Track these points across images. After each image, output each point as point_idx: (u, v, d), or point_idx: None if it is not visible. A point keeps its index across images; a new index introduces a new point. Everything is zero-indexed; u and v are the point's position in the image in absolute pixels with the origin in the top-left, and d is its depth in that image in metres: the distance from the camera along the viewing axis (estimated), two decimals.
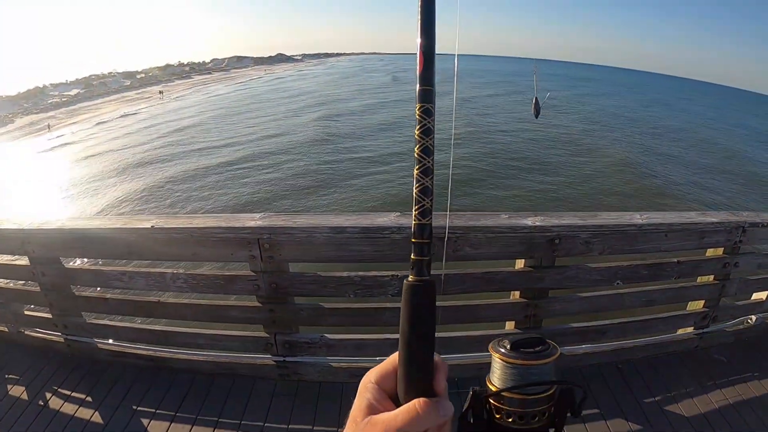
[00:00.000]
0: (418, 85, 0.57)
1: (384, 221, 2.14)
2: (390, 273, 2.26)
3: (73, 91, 73.81)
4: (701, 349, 3.01)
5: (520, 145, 24.51)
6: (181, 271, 2.50)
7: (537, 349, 0.58)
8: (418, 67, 0.58)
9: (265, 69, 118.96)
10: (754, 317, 3.12)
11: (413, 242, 0.57)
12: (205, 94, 59.52)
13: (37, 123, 44.50)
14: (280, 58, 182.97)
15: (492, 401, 0.59)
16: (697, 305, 2.90)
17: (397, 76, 76.06)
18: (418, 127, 0.56)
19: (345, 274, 2.29)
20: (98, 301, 2.86)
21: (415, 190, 0.56)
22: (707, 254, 2.70)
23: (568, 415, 0.59)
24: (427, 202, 0.56)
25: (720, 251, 2.68)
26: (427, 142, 0.56)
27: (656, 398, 2.67)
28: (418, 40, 0.58)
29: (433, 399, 0.52)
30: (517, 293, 2.44)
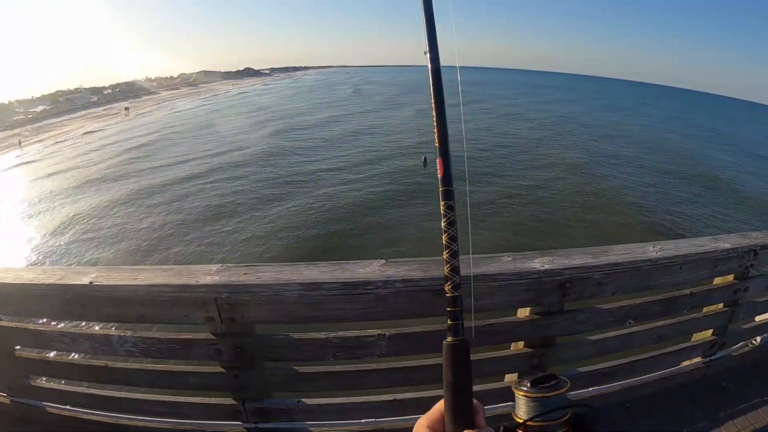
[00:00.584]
0: (440, 186, 0.76)
1: (367, 273, 1.70)
2: (376, 332, 1.82)
3: (39, 108, 70.62)
4: (708, 377, 2.69)
5: (490, 152, 24.33)
6: (128, 333, 2.01)
7: (552, 383, 0.71)
8: (438, 171, 0.77)
9: (233, 83, 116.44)
10: (759, 338, 2.83)
11: (449, 310, 0.77)
12: (170, 109, 57.90)
13: (2, 140, 42.40)
14: (249, 72, 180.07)
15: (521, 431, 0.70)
16: (705, 334, 2.58)
17: (359, 89, 75.52)
18: (444, 220, 0.76)
19: (323, 335, 1.84)
20: (40, 364, 2.34)
21: (446, 270, 0.77)
22: (718, 281, 2.38)
23: None
24: (457, 278, 0.76)
25: (731, 277, 2.36)
26: (452, 231, 0.76)
27: None
28: (436, 144, 0.79)
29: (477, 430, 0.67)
30: (520, 343, 2.04)
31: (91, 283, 1.84)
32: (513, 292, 1.77)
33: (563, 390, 0.71)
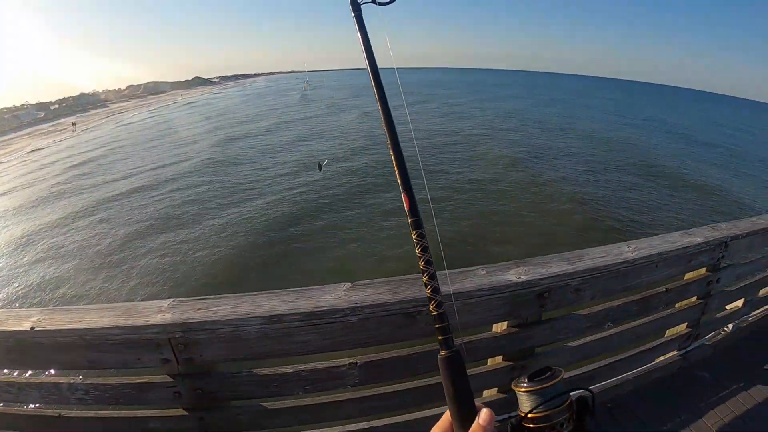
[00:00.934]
0: (408, 218, 0.81)
1: (332, 300, 1.50)
2: (348, 361, 1.63)
3: None
4: (684, 369, 2.61)
5: (439, 149, 24.07)
6: (79, 380, 1.77)
7: (547, 375, 0.73)
8: (405, 205, 0.81)
9: (182, 93, 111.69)
10: (731, 325, 2.77)
11: (437, 327, 0.79)
12: (117, 123, 54.82)
13: None
14: (198, 82, 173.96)
15: (529, 425, 0.71)
16: (680, 328, 2.49)
17: (306, 94, 73.87)
18: (417, 248, 0.79)
19: (290, 368, 1.64)
20: None
21: (428, 292, 0.80)
22: (692, 275, 2.28)
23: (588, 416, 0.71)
24: (439, 297, 0.79)
25: (703, 270, 2.27)
26: (426, 256, 0.79)
27: None
28: (397, 180, 0.82)
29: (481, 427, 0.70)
30: (499, 358, 1.88)
31: (32, 328, 1.60)
32: (490, 307, 1.60)
33: (558, 378, 0.73)
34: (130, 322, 1.55)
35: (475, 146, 25.64)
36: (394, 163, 0.84)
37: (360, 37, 0.91)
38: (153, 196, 18.33)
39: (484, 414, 0.71)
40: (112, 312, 1.63)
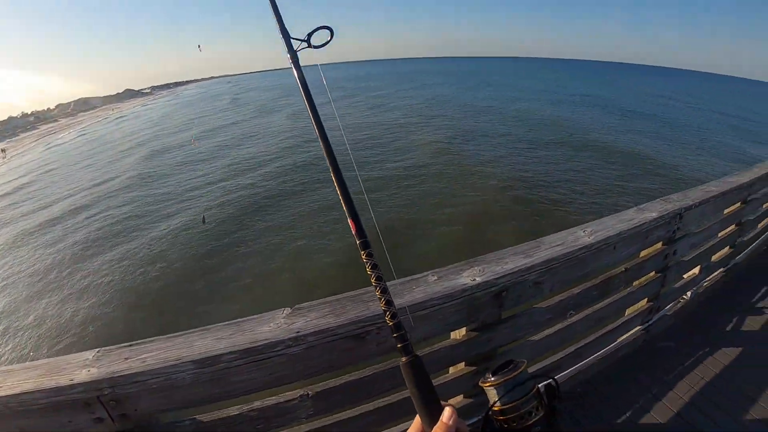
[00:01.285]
0: (357, 240, 0.84)
1: (271, 331, 1.32)
2: (298, 393, 1.46)
3: None
4: (648, 342, 2.55)
5: (368, 142, 23.56)
6: None
7: (510, 367, 0.76)
8: (352, 229, 0.85)
9: (114, 108, 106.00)
10: (689, 293, 2.72)
11: (395, 336, 0.80)
12: (47, 145, 51.44)
13: None
14: (129, 94, 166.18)
15: (499, 417, 0.74)
16: (641, 304, 2.42)
17: (237, 98, 71.14)
18: (368, 266, 0.82)
19: (236, 409, 1.45)
20: None
21: (382, 305, 0.82)
22: (649, 251, 2.20)
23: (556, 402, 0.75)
24: (394, 308, 0.81)
25: (659, 245, 2.19)
26: (377, 272, 0.82)
27: (627, 414, 2.15)
28: (343, 206, 0.86)
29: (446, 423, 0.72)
30: (460, 364, 1.75)
31: None
32: (445, 315, 1.46)
33: (520, 370, 0.75)
34: (53, 383, 1.33)
35: (409, 134, 25.29)
36: (338, 191, 0.88)
37: (297, 77, 0.98)
38: (92, 216, 17.19)
39: (446, 412, 0.73)
40: (34, 372, 1.40)
